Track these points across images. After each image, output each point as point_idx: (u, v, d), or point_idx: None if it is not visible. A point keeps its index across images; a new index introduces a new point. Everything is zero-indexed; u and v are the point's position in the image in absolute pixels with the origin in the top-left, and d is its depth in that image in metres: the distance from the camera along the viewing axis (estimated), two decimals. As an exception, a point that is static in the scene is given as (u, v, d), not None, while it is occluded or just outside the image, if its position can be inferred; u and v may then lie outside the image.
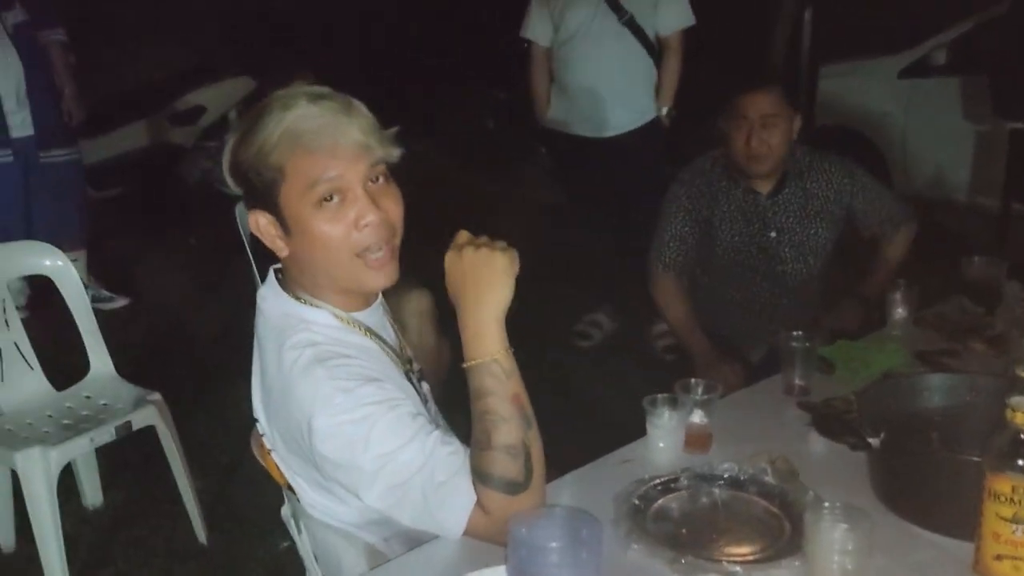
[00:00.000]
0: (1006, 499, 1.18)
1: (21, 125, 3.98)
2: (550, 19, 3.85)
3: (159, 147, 5.91)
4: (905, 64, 5.57)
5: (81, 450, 2.54)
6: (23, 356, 2.71)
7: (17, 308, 2.82)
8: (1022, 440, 1.18)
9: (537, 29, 3.89)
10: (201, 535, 2.71)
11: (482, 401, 1.33)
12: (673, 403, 1.68)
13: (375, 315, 1.50)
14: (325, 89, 1.37)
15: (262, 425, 1.49)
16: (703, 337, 2.59)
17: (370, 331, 1.46)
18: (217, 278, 4.32)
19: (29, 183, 4.03)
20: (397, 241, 1.40)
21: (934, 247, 2.92)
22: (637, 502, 1.46)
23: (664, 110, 3.88)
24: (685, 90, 3.89)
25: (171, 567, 2.66)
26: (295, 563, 1.62)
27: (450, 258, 1.36)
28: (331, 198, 1.33)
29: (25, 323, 2.76)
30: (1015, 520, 1.17)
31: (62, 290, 2.71)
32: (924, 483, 1.39)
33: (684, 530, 1.41)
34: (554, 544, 1.16)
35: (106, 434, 2.50)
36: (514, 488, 1.31)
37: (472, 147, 6.86)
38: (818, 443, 1.67)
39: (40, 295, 3.73)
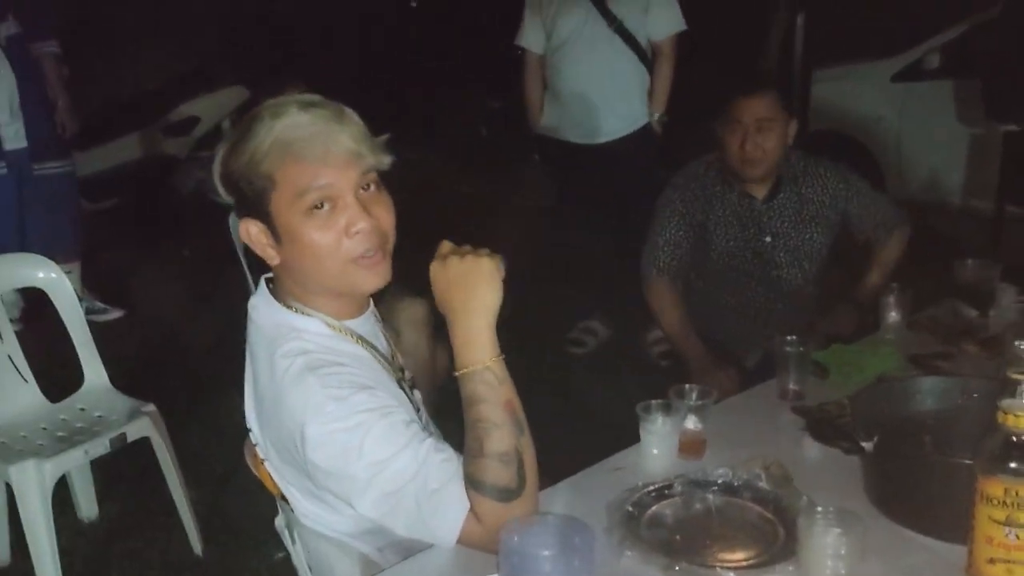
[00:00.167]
0: (998, 502, 1.18)
1: (14, 137, 3.98)
2: (542, 27, 3.87)
3: (153, 158, 5.91)
4: (898, 68, 5.58)
5: (76, 463, 2.53)
6: (17, 369, 2.70)
7: (11, 320, 2.82)
8: (1014, 443, 1.18)
9: (530, 37, 3.90)
10: (196, 546, 2.70)
11: (474, 408, 1.33)
12: (667, 409, 1.67)
13: (367, 323, 1.50)
14: (316, 97, 1.37)
15: (255, 435, 1.49)
16: (698, 342, 2.59)
17: (362, 339, 1.46)
18: (211, 288, 4.31)
19: (23, 195, 4.02)
20: (389, 247, 1.40)
21: (928, 250, 2.92)
22: (631, 509, 1.46)
23: (656, 116, 3.88)
24: (679, 95, 3.90)
25: (167, 579, 2.65)
26: (290, 574, 1.62)
27: (435, 269, 1.36)
28: (321, 206, 1.33)
29: (19, 335, 2.75)
30: (1008, 523, 1.17)
31: (56, 302, 2.71)
32: (917, 487, 1.39)
33: (678, 536, 1.41)
34: (546, 552, 1.16)
35: (101, 446, 2.49)
36: (507, 495, 1.31)
37: (466, 154, 6.86)
38: (812, 448, 1.67)
39: (34, 307, 3.72)
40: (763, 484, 1.49)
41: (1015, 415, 1.17)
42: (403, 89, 7.51)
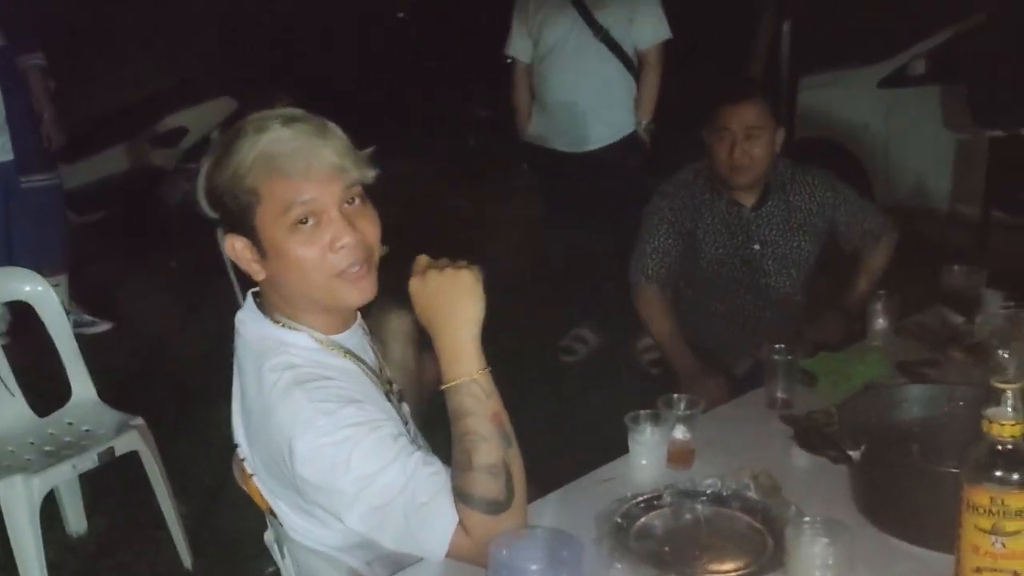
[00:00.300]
0: (984, 511, 1.18)
1: (1, 150, 3.97)
2: (529, 36, 3.88)
3: (140, 170, 5.90)
4: (884, 74, 5.61)
5: (63, 477, 2.52)
6: (3, 383, 2.69)
7: (-2, 334, 2.81)
8: (999, 451, 1.18)
9: (518, 46, 3.92)
10: (186, 560, 2.68)
11: (462, 422, 1.33)
12: (655, 419, 1.67)
13: (354, 337, 1.50)
14: (299, 111, 1.37)
15: (242, 449, 1.48)
16: (687, 350, 2.58)
17: (350, 353, 1.46)
18: (199, 300, 4.31)
19: (9, 208, 4.01)
20: (374, 261, 1.40)
21: (915, 256, 2.93)
22: (620, 520, 1.45)
23: (643, 124, 3.90)
24: (667, 102, 3.91)
25: (156, 593, 2.64)
26: (280, 587, 1.61)
27: (415, 284, 1.36)
28: (306, 221, 1.33)
29: (6, 349, 2.75)
30: (994, 532, 1.17)
31: (43, 316, 2.70)
32: (904, 496, 1.39)
33: (667, 548, 1.41)
34: (535, 566, 1.16)
35: (89, 460, 2.48)
36: (496, 508, 1.31)
37: (454, 164, 6.87)
38: (800, 457, 1.68)
39: (21, 320, 3.71)
40: (752, 494, 1.50)
41: (1000, 424, 1.17)
42: (391, 99, 7.51)
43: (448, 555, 1.33)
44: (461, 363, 1.33)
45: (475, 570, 1.29)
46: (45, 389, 2.86)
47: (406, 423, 1.53)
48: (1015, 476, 1.17)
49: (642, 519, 1.47)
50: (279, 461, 1.36)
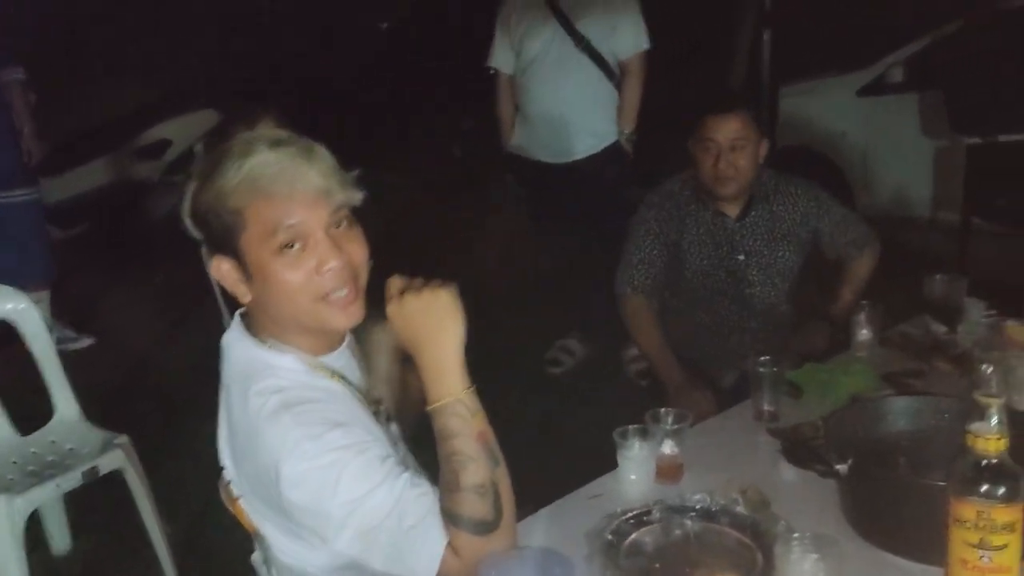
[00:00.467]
0: (971, 525, 1.19)
1: (-19, 166, 3.95)
2: (511, 47, 3.89)
3: (124, 183, 5.86)
4: (863, 83, 5.65)
5: (47, 497, 2.50)
6: (-16, 401, 2.67)
7: (-22, 352, 2.78)
8: (984, 466, 1.19)
9: (500, 57, 3.93)
10: (171, 578, 2.67)
11: (448, 442, 1.33)
12: (643, 434, 1.68)
13: (342, 357, 1.49)
14: (284, 134, 1.37)
15: (229, 472, 1.47)
16: (675, 362, 2.59)
17: (337, 374, 1.46)
18: (183, 315, 4.28)
19: (-11, 224, 3.98)
20: (362, 283, 1.40)
21: (897, 265, 2.95)
22: (610, 537, 1.45)
23: (626, 133, 3.92)
24: (649, 111, 3.94)
25: (142, 613, 2.62)
26: (267, 610, 1.60)
27: (393, 309, 1.35)
28: (292, 244, 1.33)
29: (-13, 367, 2.72)
30: (981, 546, 1.18)
31: (25, 334, 2.67)
32: (892, 509, 1.40)
33: (657, 564, 1.40)
34: (526, 587, 1.16)
35: (73, 480, 2.46)
36: (484, 528, 1.30)
37: (439, 175, 6.87)
38: (788, 470, 1.68)
39: (2, 337, 3.67)
40: (741, 509, 1.50)
41: (984, 439, 1.19)
42: (376, 110, 7.50)
43: (438, 576, 1.32)
44: (445, 384, 1.33)
45: (465, 591, 1.29)
46: (28, 407, 2.82)
47: (395, 443, 1.53)
48: (1001, 490, 1.18)
49: (632, 535, 1.47)
50: (266, 484, 1.35)
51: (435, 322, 1.34)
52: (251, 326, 1.45)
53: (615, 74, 3.87)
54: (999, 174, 4.35)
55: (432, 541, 1.30)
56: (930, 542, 1.28)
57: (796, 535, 1.26)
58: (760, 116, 4.09)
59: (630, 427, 1.68)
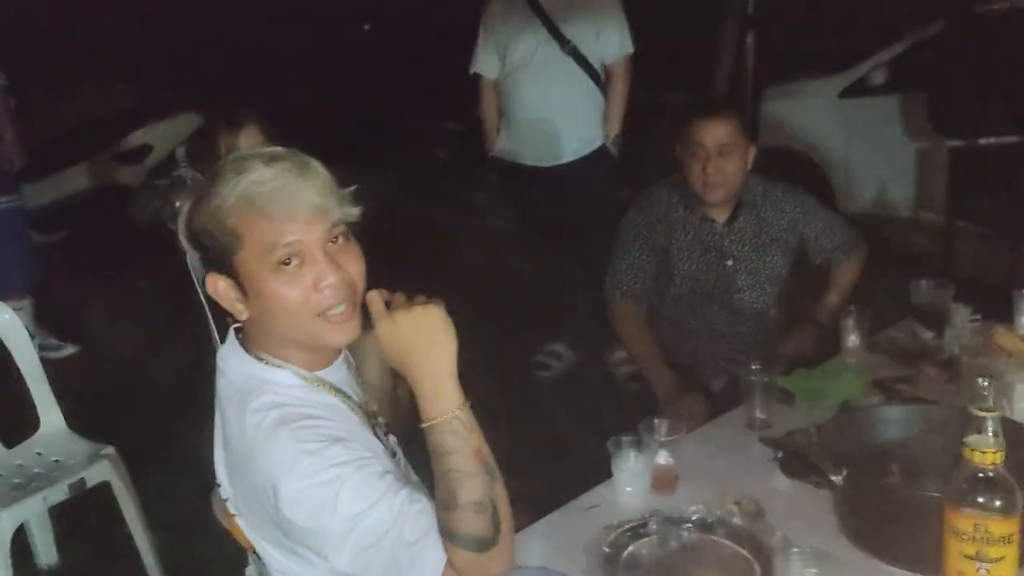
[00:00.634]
0: (968, 537, 1.20)
1: (-40, 173, 3.90)
2: (496, 52, 3.89)
3: (105, 188, 5.81)
4: (845, 84, 5.68)
5: (34, 511, 2.48)
6: (-31, 414, 2.64)
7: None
8: (980, 478, 1.20)
9: (484, 63, 3.93)
10: (161, 591, 2.65)
11: (445, 460, 1.32)
12: (637, 444, 1.68)
13: (339, 372, 1.48)
14: (280, 150, 1.36)
15: (225, 489, 1.46)
16: (664, 367, 2.59)
17: (334, 388, 1.45)
18: (168, 322, 4.24)
19: (-30, 232, 3.94)
20: (359, 298, 1.39)
21: (884, 266, 2.98)
22: (608, 550, 1.46)
23: (611, 137, 3.93)
24: (633, 115, 3.95)
25: (131, 626, 2.60)
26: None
27: (385, 328, 1.33)
28: (289, 261, 1.32)
29: (-32, 378, 2.69)
30: (978, 558, 1.19)
31: (7, 344, 2.65)
32: (888, 520, 1.41)
33: (655, 577, 1.41)
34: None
35: (59, 492, 2.44)
36: (483, 544, 1.30)
37: (424, 178, 6.85)
38: (782, 480, 1.69)
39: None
40: (737, 520, 1.51)
41: (981, 452, 1.20)
42: (359, 113, 7.48)
43: (438, 593, 1.32)
44: (441, 402, 1.32)
45: (465, 607, 1.29)
46: (11, 418, 2.79)
47: (394, 454, 1.52)
48: (997, 503, 1.19)
49: (630, 548, 1.48)
50: (264, 502, 1.34)
51: (428, 340, 1.33)
52: (247, 341, 1.44)
53: (600, 78, 3.88)
54: (982, 177, 4.38)
55: (432, 558, 1.30)
56: (926, 552, 1.29)
57: (796, 550, 1.26)
58: (745, 119, 4.12)
59: (624, 438, 1.68)
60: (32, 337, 2.81)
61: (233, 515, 1.46)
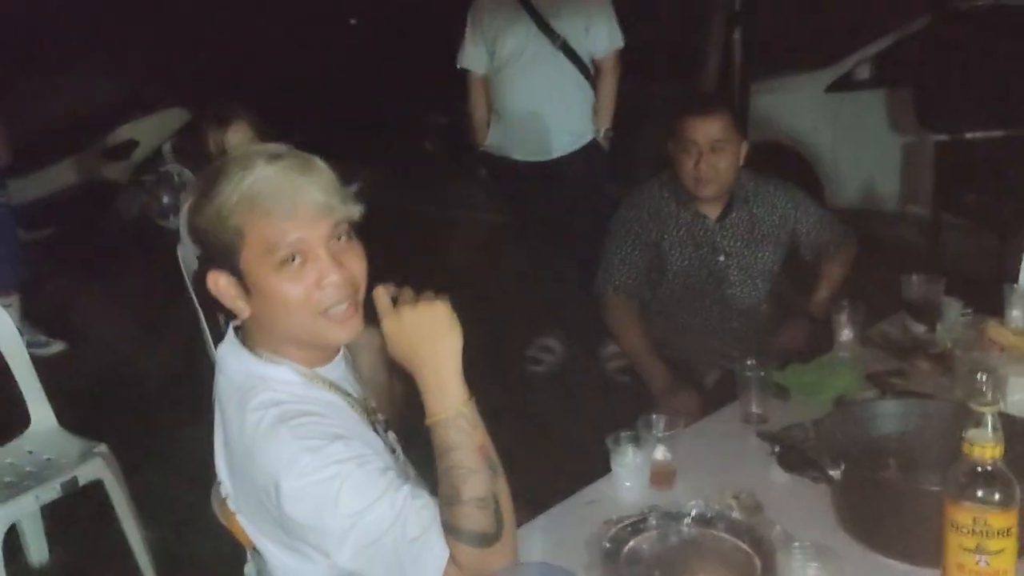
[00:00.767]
0: (968, 531, 1.21)
1: (-53, 171, 3.87)
2: (484, 47, 3.88)
3: (92, 183, 5.77)
4: (831, 79, 5.71)
5: (26, 509, 2.46)
6: (-42, 412, 2.62)
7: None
8: (979, 472, 1.21)
9: (472, 58, 3.92)
10: (154, 589, 2.64)
11: (449, 455, 1.32)
12: (636, 440, 1.69)
13: (338, 368, 1.48)
14: (283, 148, 1.35)
15: (225, 487, 1.46)
16: (657, 362, 2.59)
17: (333, 385, 1.45)
18: (158, 317, 4.22)
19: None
20: (360, 297, 1.39)
21: (872, 258, 3.00)
22: (608, 545, 1.46)
23: (602, 131, 3.93)
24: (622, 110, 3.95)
25: (124, 624, 2.59)
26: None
27: (391, 324, 1.34)
28: (292, 259, 1.32)
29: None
30: (978, 551, 1.21)
31: (-2, 342, 2.63)
32: (887, 513, 1.42)
33: (657, 572, 1.42)
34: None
35: (52, 491, 2.43)
36: (486, 540, 1.30)
37: (411, 171, 6.84)
38: (779, 473, 1.70)
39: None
40: (736, 514, 1.52)
41: (980, 446, 1.21)
42: (347, 106, 7.45)
43: (440, 588, 1.32)
44: (446, 398, 1.33)
45: (468, 602, 1.29)
46: (2, 416, 2.78)
47: (393, 451, 1.52)
48: (996, 496, 1.20)
49: (630, 543, 1.48)
50: (265, 500, 1.34)
51: (434, 336, 1.33)
52: (245, 339, 1.44)
53: (590, 72, 3.88)
54: (968, 170, 4.42)
55: (434, 554, 1.30)
56: (925, 545, 1.30)
57: (797, 544, 1.27)
58: (736, 115, 4.13)
59: (622, 434, 1.69)
60: (20, 334, 2.78)
61: (233, 513, 1.46)
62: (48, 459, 2.59)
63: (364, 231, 1.42)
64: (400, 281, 1.38)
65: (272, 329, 1.39)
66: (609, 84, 3.91)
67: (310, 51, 7.89)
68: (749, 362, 1.94)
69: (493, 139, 3.99)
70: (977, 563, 1.21)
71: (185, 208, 1.37)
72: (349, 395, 1.47)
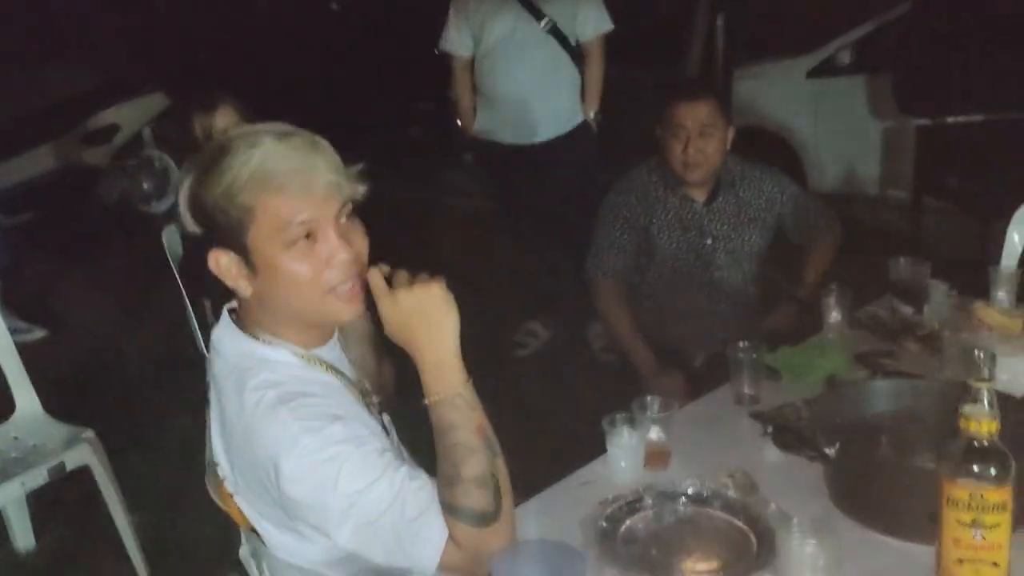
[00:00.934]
0: (964, 505, 1.23)
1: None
2: (469, 31, 3.86)
3: (72, 168, 5.70)
4: (812, 65, 5.74)
5: (12, 496, 2.45)
6: (-57, 398, 2.59)
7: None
8: (975, 447, 1.23)
9: (456, 42, 3.90)
10: (142, 573, 2.62)
11: (448, 435, 1.32)
12: (631, 421, 1.70)
13: (334, 350, 1.48)
14: (289, 127, 1.34)
15: (223, 469, 1.45)
16: (645, 346, 2.62)
17: (331, 367, 1.44)
18: (140, 302, 4.18)
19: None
20: (364, 275, 1.39)
21: (853, 242, 3.02)
22: (605, 524, 1.47)
23: (591, 114, 3.93)
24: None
25: (112, 609, 2.58)
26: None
27: (387, 306, 1.33)
28: (305, 237, 1.31)
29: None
30: (974, 525, 1.22)
31: (-20, 328, 2.60)
32: (882, 490, 1.44)
33: (654, 551, 1.43)
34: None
35: (38, 477, 2.41)
36: (484, 519, 1.31)
37: (397, 157, 6.80)
38: (773, 452, 1.72)
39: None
40: (731, 493, 1.53)
41: (977, 421, 1.22)
42: (328, 92, 7.39)
43: (439, 567, 1.32)
44: (445, 378, 1.33)
45: (465, 580, 1.29)
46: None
47: (388, 434, 1.52)
48: (992, 471, 1.22)
49: (626, 522, 1.49)
50: (264, 480, 1.34)
51: (432, 318, 1.32)
52: (241, 321, 1.43)
53: (579, 55, 3.88)
54: (948, 155, 4.45)
55: (433, 533, 1.30)
56: (919, 521, 1.32)
57: (795, 521, 1.28)
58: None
59: (618, 415, 1.70)
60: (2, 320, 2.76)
61: (231, 494, 1.45)
62: (34, 445, 2.57)
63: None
64: (391, 266, 1.38)
65: (275, 308, 1.38)
66: (597, 67, 3.91)
67: (292, 37, 7.82)
68: (741, 344, 1.95)
69: (481, 124, 3.98)
70: (973, 537, 1.22)
71: (183, 188, 1.34)
72: (345, 376, 1.47)
